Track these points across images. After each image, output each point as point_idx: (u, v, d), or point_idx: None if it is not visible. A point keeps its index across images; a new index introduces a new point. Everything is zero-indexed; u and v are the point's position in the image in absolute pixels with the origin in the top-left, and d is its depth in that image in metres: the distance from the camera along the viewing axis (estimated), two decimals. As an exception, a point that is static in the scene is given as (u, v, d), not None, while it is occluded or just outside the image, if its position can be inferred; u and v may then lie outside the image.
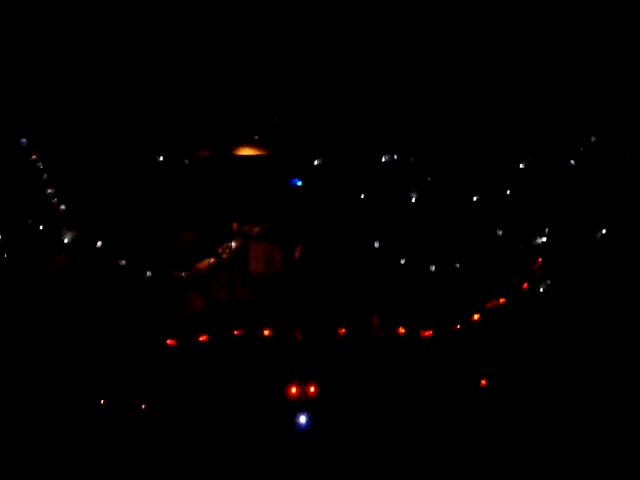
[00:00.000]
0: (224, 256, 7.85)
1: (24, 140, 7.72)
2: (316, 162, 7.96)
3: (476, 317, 7.76)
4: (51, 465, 7.02)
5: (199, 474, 7.15)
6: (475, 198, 7.95)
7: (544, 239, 7.89)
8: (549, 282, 7.80)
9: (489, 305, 7.80)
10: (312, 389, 7.54)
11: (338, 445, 7.34)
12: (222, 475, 7.16)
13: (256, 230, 7.93)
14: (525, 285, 7.81)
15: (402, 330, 7.72)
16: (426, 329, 7.73)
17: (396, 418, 7.47)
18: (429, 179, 7.98)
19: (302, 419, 7.40)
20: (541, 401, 7.51)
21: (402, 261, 7.81)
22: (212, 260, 7.83)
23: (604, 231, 7.87)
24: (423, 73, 8.09)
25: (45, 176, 7.75)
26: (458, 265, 7.83)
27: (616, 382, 7.54)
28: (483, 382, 7.60)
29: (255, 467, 7.20)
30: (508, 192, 7.96)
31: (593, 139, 7.96)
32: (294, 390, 7.52)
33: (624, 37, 8.02)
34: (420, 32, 8.08)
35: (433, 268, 7.82)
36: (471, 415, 7.49)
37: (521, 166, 7.99)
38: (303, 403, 7.49)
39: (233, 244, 7.87)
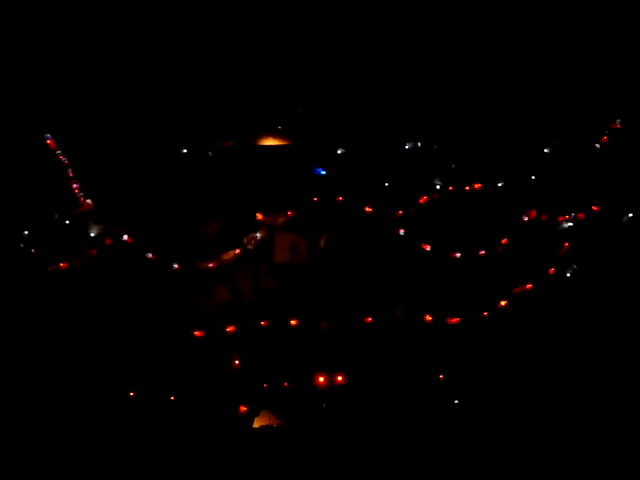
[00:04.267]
0: (249, 247, 7.86)
1: (49, 135, 7.78)
2: (339, 151, 7.95)
3: (503, 303, 7.72)
4: (81, 456, 7.05)
5: (230, 463, 7.16)
6: (500, 184, 7.91)
7: (571, 224, 7.83)
8: (576, 267, 7.74)
9: (516, 291, 7.75)
10: (339, 378, 7.53)
11: (366, 433, 7.33)
12: (254, 463, 7.17)
13: (281, 220, 7.93)
14: (552, 270, 7.76)
15: (429, 318, 7.70)
16: (453, 317, 7.70)
17: (424, 407, 7.45)
18: (453, 166, 7.95)
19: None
20: (571, 388, 7.45)
21: (428, 248, 7.78)
22: (237, 251, 7.85)
23: (631, 215, 7.80)
24: (447, 60, 8.06)
25: (70, 171, 7.80)
26: (484, 251, 7.80)
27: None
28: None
29: (285, 455, 7.20)
30: (533, 177, 7.91)
31: (618, 122, 7.90)
32: (322, 379, 7.52)
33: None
34: (443, 19, 8.06)
35: (459, 255, 7.78)
36: (500, 401, 7.45)
37: (546, 150, 7.94)
38: (330, 392, 7.49)
39: (258, 234, 7.88)
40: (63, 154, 7.86)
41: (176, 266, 7.70)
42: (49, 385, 7.33)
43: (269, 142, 8.04)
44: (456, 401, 7.43)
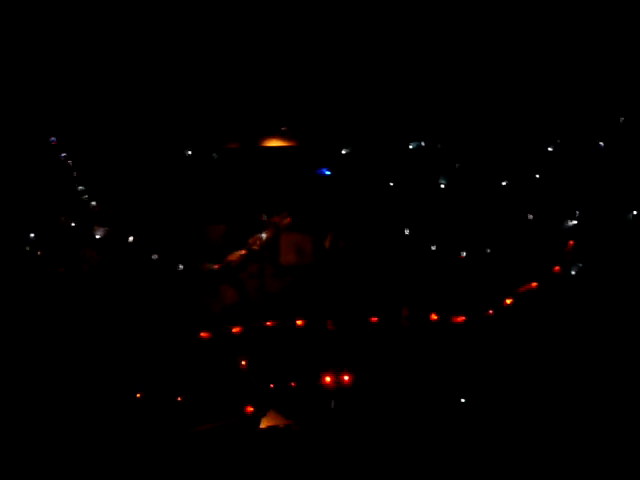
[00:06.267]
0: (255, 247, 7.87)
1: (54, 138, 7.79)
2: (344, 151, 7.96)
3: (508, 302, 7.73)
4: (88, 457, 7.07)
5: (237, 463, 7.18)
6: (504, 182, 7.91)
7: (575, 222, 7.84)
8: (581, 265, 7.75)
9: (521, 289, 7.76)
10: (346, 378, 7.54)
11: (372, 433, 7.34)
12: (261, 464, 7.19)
13: (286, 221, 7.94)
14: (557, 268, 7.77)
15: (434, 316, 7.71)
16: (458, 315, 7.72)
17: (430, 405, 7.46)
18: (457, 165, 7.96)
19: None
20: (575, 386, 7.46)
21: (433, 247, 7.79)
22: (243, 252, 7.86)
23: (635, 212, 7.81)
24: (449, 61, 8.07)
25: (75, 173, 7.82)
26: (489, 250, 7.81)
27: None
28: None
29: (292, 455, 7.22)
30: (537, 176, 7.92)
31: (622, 119, 7.90)
32: (328, 379, 7.54)
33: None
34: (445, 17, 8.06)
35: (464, 254, 7.79)
36: (506, 399, 7.46)
37: (550, 149, 7.95)
38: (338, 391, 7.51)
39: (263, 235, 7.89)
40: (68, 157, 7.87)
41: (181, 268, 7.72)
42: (57, 386, 7.35)
43: (273, 143, 8.05)
44: (463, 400, 7.45)
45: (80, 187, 7.81)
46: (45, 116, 7.81)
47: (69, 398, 7.32)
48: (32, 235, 7.70)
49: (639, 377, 7.39)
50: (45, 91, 7.83)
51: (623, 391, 7.34)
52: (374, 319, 7.73)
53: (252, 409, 7.44)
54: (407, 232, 7.82)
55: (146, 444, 7.17)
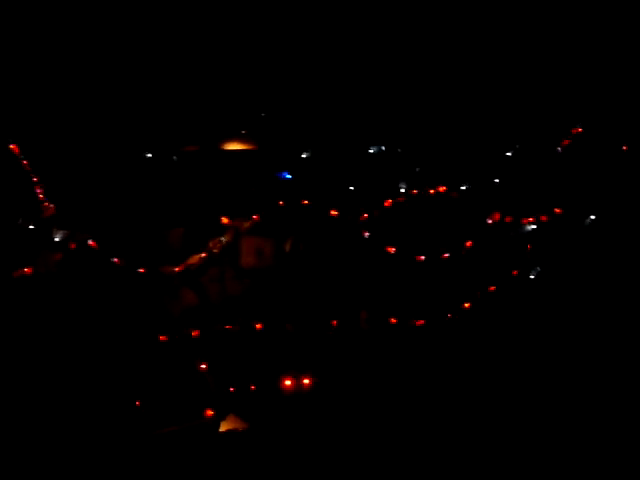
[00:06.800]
0: (215, 251, 7.87)
1: (11, 140, 7.74)
2: (304, 155, 7.98)
3: (467, 305, 7.79)
4: (51, 464, 7.03)
5: (196, 467, 7.16)
6: (463, 187, 7.97)
7: (534, 226, 7.91)
8: (539, 269, 7.83)
9: (480, 293, 7.82)
10: (306, 381, 7.56)
11: (334, 437, 7.35)
12: (218, 472, 7.17)
13: (246, 224, 7.94)
14: (515, 272, 7.83)
15: (394, 320, 7.74)
16: (418, 319, 7.76)
17: (392, 409, 7.48)
18: (417, 169, 8.01)
19: None
20: (536, 390, 7.52)
21: (392, 251, 7.83)
22: (203, 255, 7.85)
23: (593, 217, 7.90)
24: (408, 65, 8.11)
25: (34, 176, 7.77)
26: (448, 254, 7.86)
27: (608, 372, 7.55)
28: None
29: (251, 461, 7.20)
30: (496, 180, 7.99)
31: (579, 125, 7.99)
32: (288, 383, 7.54)
33: (609, 30, 8.07)
34: (405, 25, 8.11)
35: (423, 258, 7.84)
36: (467, 405, 7.50)
37: (508, 154, 8.02)
38: (298, 395, 7.52)
39: (224, 239, 7.88)
40: (26, 159, 7.81)
41: (141, 270, 7.69)
42: (12, 392, 7.30)
43: (233, 146, 8.05)
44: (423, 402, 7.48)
45: (39, 189, 7.76)
46: (2, 119, 7.75)
47: (25, 404, 7.27)
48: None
49: (597, 380, 7.48)
50: (2, 93, 7.78)
51: (581, 395, 7.42)
52: (334, 322, 7.75)
53: (211, 413, 7.42)
54: (367, 235, 7.85)
55: (103, 448, 7.14)
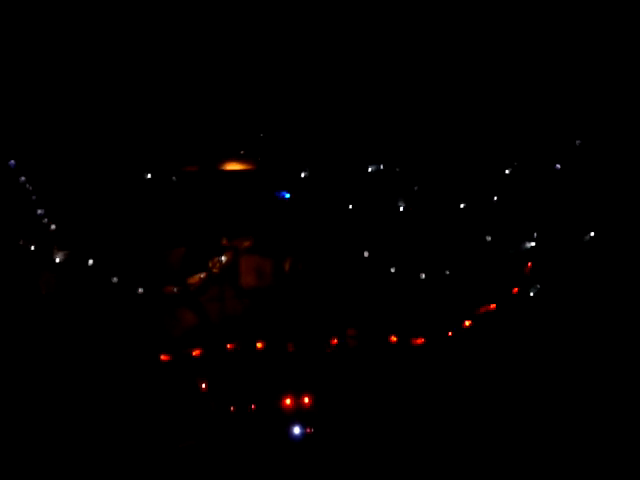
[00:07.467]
0: (215, 270, 7.89)
1: (12, 162, 7.78)
2: (303, 174, 8.00)
3: (467, 323, 7.78)
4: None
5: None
6: (462, 205, 7.98)
7: (533, 243, 7.91)
8: (539, 286, 7.82)
9: (480, 311, 7.82)
10: (306, 400, 7.56)
11: (333, 455, 7.35)
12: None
13: (246, 244, 7.96)
14: (515, 290, 7.83)
15: (394, 338, 7.75)
16: (417, 337, 7.76)
17: (391, 427, 7.48)
18: (416, 188, 8.02)
19: (296, 430, 7.43)
20: (536, 405, 7.51)
21: (392, 270, 7.83)
22: (203, 275, 7.87)
23: (592, 234, 7.89)
24: (406, 84, 8.14)
25: (34, 196, 7.81)
26: (448, 272, 7.86)
27: (609, 384, 7.54)
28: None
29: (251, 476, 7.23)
30: (495, 198, 7.99)
31: (578, 142, 7.99)
32: (288, 402, 7.55)
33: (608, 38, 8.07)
34: (401, 45, 8.14)
35: (423, 276, 7.84)
36: (467, 420, 7.50)
37: (507, 171, 8.03)
38: (298, 414, 7.52)
39: (223, 258, 7.91)
40: (27, 179, 7.85)
41: (141, 291, 7.72)
42: (13, 411, 7.34)
43: (233, 167, 8.09)
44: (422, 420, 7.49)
45: (39, 210, 7.80)
46: (2, 139, 7.80)
47: (26, 422, 7.30)
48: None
49: (597, 395, 7.47)
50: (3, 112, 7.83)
51: (581, 415, 7.42)
52: (334, 341, 7.76)
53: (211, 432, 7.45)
54: (366, 254, 7.86)
55: (104, 467, 7.16)
